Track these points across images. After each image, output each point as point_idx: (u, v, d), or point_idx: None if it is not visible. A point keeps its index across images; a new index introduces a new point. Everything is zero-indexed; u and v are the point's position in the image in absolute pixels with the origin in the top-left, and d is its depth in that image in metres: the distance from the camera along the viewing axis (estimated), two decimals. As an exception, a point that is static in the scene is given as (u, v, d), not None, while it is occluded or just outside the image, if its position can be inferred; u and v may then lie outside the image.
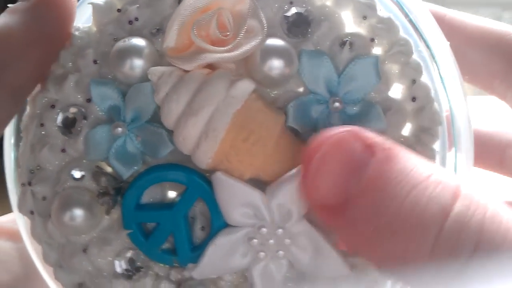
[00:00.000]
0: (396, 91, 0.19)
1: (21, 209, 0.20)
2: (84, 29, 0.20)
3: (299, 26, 0.18)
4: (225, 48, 0.17)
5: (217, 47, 0.17)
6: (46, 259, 0.20)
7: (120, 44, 0.18)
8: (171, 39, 0.17)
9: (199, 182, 0.18)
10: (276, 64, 0.18)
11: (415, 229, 0.14)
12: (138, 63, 0.18)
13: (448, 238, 0.14)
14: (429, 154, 0.19)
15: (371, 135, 0.16)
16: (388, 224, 0.14)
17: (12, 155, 0.21)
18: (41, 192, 0.20)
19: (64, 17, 0.19)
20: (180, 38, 0.17)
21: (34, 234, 0.20)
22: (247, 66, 0.18)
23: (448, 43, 0.20)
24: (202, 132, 0.17)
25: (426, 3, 0.21)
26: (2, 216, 0.25)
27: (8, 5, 0.19)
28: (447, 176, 0.15)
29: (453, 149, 0.20)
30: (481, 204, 0.14)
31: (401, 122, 0.19)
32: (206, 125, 0.17)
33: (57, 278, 0.20)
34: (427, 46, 0.20)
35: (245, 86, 0.17)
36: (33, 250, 0.21)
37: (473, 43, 0.23)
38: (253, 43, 0.17)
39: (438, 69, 0.20)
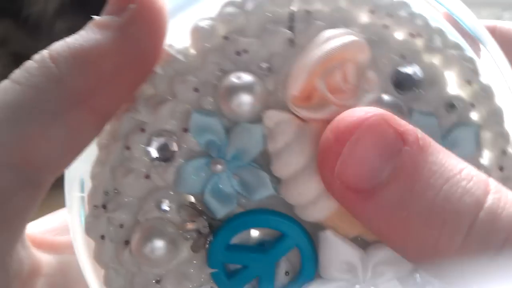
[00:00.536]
0: (485, 157, 0.20)
1: (90, 232, 0.19)
2: (181, 49, 0.19)
3: (409, 82, 0.19)
4: (349, 101, 0.17)
5: (341, 101, 0.17)
6: (109, 284, 0.19)
7: (233, 79, 0.18)
8: (296, 88, 0.17)
9: (300, 232, 0.18)
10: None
11: (449, 219, 0.15)
12: (248, 100, 0.18)
13: (481, 229, 0.14)
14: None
15: (403, 123, 0.16)
16: (421, 212, 0.15)
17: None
18: (119, 219, 0.19)
19: (158, 35, 0.18)
20: (303, 87, 0.17)
21: (99, 259, 0.19)
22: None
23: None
24: (324, 191, 0.16)
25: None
26: (32, 225, 0.23)
27: (94, 16, 0.18)
28: (476, 171, 0.16)
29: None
30: (510, 198, 0.15)
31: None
32: None
33: None
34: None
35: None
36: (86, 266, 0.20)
37: None
38: (372, 97, 0.17)
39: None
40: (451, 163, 0.15)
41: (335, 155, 0.15)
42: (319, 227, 0.18)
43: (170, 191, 0.18)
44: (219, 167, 0.18)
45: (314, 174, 0.16)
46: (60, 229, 0.23)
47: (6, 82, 0.17)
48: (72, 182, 0.20)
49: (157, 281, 0.19)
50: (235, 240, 0.18)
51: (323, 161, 0.16)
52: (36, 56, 0.17)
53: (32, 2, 0.44)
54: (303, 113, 0.17)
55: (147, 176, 0.19)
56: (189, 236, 0.18)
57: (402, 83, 0.19)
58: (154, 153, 0.18)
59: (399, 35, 0.19)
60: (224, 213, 0.18)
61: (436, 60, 0.19)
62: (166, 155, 0.18)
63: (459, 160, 0.16)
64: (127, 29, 0.17)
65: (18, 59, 0.50)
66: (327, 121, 0.17)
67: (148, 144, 0.18)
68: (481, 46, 0.20)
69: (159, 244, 0.18)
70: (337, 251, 0.17)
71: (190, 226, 0.18)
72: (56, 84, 0.17)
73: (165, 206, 0.18)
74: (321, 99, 0.17)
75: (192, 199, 0.19)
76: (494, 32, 0.21)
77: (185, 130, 0.18)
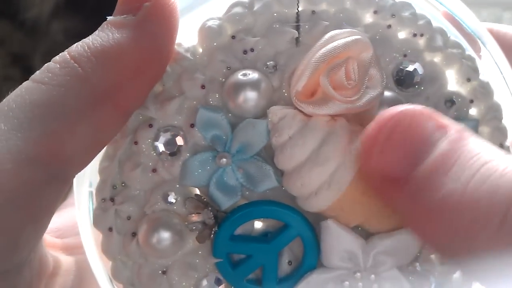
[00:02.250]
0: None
1: (98, 224, 0.20)
2: (189, 48, 0.19)
3: (411, 79, 0.19)
4: (352, 98, 0.17)
5: (344, 97, 0.17)
6: (116, 276, 0.20)
7: (240, 76, 0.18)
8: (300, 84, 0.17)
9: (302, 222, 0.18)
10: (389, 117, 0.18)
11: (484, 203, 0.14)
12: (253, 96, 0.18)
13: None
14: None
15: (443, 117, 0.16)
16: (455, 196, 0.15)
17: None
18: (126, 211, 0.19)
19: (172, 31, 0.18)
20: (308, 84, 0.17)
21: (107, 250, 0.20)
22: (358, 115, 0.18)
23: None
24: (325, 182, 0.17)
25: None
26: None
27: (108, 17, 0.18)
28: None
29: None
30: None
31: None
32: (330, 175, 0.17)
33: None
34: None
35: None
36: (96, 261, 0.20)
37: None
38: (374, 94, 0.18)
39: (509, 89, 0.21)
40: (489, 150, 0.15)
41: (375, 144, 0.16)
42: (321, 217, 0.18)
43: (176, 184, 0.19)
44: (224, 160, 0.18)
45: (316, 166, 0.17)
46: (63, 229, 0.23)
47: (28, 83, 0.18)
48: (80, 177, 0.20)
49: (164, 272, 0.19)
50: (239, 231, 0.19)
51: (364, 151, 0.16)
52: (57, 58, 0.18)
53: (28, 4, 0.44)
54: (307, 109, 0.17)
55: (154, 170, 0.19)
56: (194, 228, 0.19)
57: (403, 80, 0.19)
58: (161, 148, 0.19)
59: (402, 34, 0.20)
60: (229, 205, 0.19)
61: (437, 58, 0.20)
62: (172, 149, 0.19)
63: (496, 149, 0.16)
64: (144, 27, 0.18)
65: (16, 59, 0.48)
66: (330, 117, 0.18)
67: (156, 139, 0.19)
68: (481, 45, 0.20)
69: (165, 235, 0.19)
70: (338, 239, 0.18)
71: (195, 218, 0.19)
72: (81, 82, 0.17)
73: (172, 198, 0.19)
74: (324, 95, 0.17)
75: (198, 192, 0.19)
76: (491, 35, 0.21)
77: (192, 125, 0.19)
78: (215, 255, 0.19)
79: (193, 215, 0.19)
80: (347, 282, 0.19)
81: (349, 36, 0.18)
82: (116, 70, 0.17)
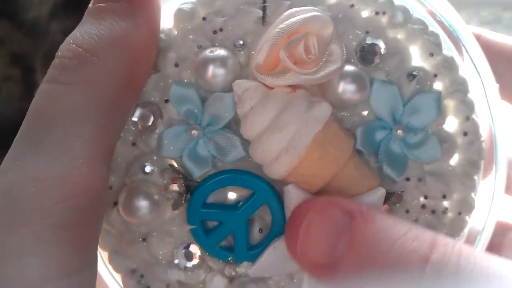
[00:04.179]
0: (450, 124, 0.21)
1: None
2: (164, 30, 0.21)
3: (373, 55, 0.20)
4: (310, 70, 0.18)
5: (302, 69, 0.18)
6: (102, 244, 0.21)
7: (207, 53, 0.20)
8: (261, 57, 0.18)
9: (268, 190, 0.19)
10: (350, 89, 0.19)
11: (400, 279, 0.16)
12: (220, 72, 0.20)
13: (430, 283, 0.16)
14: (472, 184, 0.21)
15: (348, 202, 0.18)
16: (378, 273, 0.16)
17: None
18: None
19: (159, 14, 0.20)
20: (268, 57, 0.19)
21: None
22: (321, 88, 0.20)
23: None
24: (283, 148, 0.18)
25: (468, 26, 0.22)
26: None
27: (99, 5, 0.19)
28: (422, 230, 0.17)
29: (490, 176, 0.22)
30: (456, 249, 0.16)
31: (452, 153, 0.21)
32: (288, 141, 0.18)
33: (111, 262, 0.21)
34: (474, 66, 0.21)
35: (326, 109, 0.19)
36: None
37: (503, 57, 0.25)
38: (334, 67, 0.19)
39: (484, 89, 0.21)
40: (396, 227, 0.17)
41: (295, 238, 0.18)
42: (285, 184, 0.19)
43: (154, 156, 0.20)
44: (195, 132, 0.20)
45: (274, 132, 0.18)
46: None
47: (54, 86, 0.17)
48: None
49: (143, 239, 0.21)
50: (211, 199, 0.20)
51: (288, 243, 0.19)
52: (69, 53, 0.18)
53: (28, 5, 0.45)
54: (266, 80, 0.18)
55: (134, 144, 0.21)
56: (170, 197, 0.20)
57: (365, 56, 0.20)
58: (139, 122, 0.20)
59: (365, 13, 0.21)
60: (200, 175, 0.20)
61: (400, 35, 0.21)
62: (148, 123, 0.20)
63: (404, 223, 0.17)
64: (142, 12, 0.19)
65: (16, 59, 0.48)
66: (291, 88, 0.19)
67: (134, 114, 0.20)
68: (461, 45, 0.21)
69: (143, 203, 0.20)
70: (298, 204, 0.19)
71: (171, 187, 0.20)
72: (106, 74, 0.17)
73: (149, 169, 0.20)
74: (284, 68, 0.18)
75: (174, 163, 0.21)
76: (479, 40, 0.22)
77: (166, 101, 0.20)
78: (189, 222, 0.20)
79: (170, 185, 0.20)
80: (311, 247, 0.20)
81: (308, 13, 0.19)
82: (131, 56, 0.18)
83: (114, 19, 0.18)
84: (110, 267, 0.22)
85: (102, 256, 0.22)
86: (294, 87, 0.19)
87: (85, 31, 0.18)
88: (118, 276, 0.22)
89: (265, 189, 0.19)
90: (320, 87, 0.20)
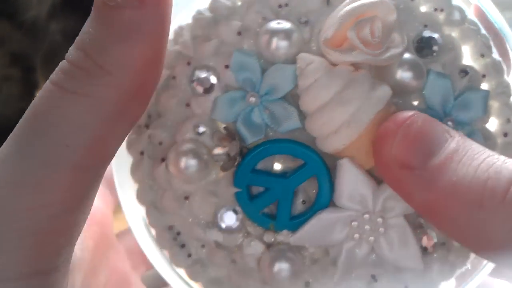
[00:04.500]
0: (492, 124, 0.22)
1: (130, 148, 0.22)
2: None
3: (429, 48, 0.21)
4: (375, 52, 0.19)
5: (368, 49, 0.19)
6: (140, 197, 0.22)
7: (274, 24, 0.20)
8: (329, 32, 0.19)
9: (319, 162, 0.20)
10: (407, 75, 0.20)
11: (490, 183, 0.17)
12: (284, 44, 0.20)
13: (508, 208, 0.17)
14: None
15: (446, 126, 0.19)
16: (467, 174, 0.17)
17: None
18: (158, 137, 0.21)
19: (168, 22, 0.19)
20: (335, 35, 0.19)
21: (135, 173, 0.22)
22: (379, 72, 0.20)
23: None
24: (345, 121, 0.19)
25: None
26: None
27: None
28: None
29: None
30: None
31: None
32: (350, 115, 0.19)
33: (148, 215, 0.22)
34: None
35: (387, 90, 0.19)
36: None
37: None
38: (396, 52, 0.20)
39: None
40: (489, 150, 0.18)
41: (392, 136, 0.18)
42: (337, 160, 0.20)
43: (207, 118, 0.21)
44: (252, 99, 0.20)
45: (338, 106, 0.19)
46: None
47: (54, 90, 0.17)
48: None
49: (186, 197, 0.21)
50: (260, 166, 0.21)
51: (381, 142, 0.19)
52: (76, 60, 0.17)
53: (26, 6, 0.46)
54: (333, 55, 0.19)
55: (188, 104, 0.21)
56: (219, 159, 0.21)
57: (422, 47, 0.21)
58: (196, 85, 0.21)
59: (424, 8, 0.22)
60: (253, 141, 0.21)
61: (454, 33, 0.22)
62: (206, 86, 0.21)
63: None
64: (154, 17, 0.18)
65: (16, 59, 0.49)
66: (354, 67, 0.19)
67: (192, 76, 0.21)
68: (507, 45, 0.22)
69: (192, 162, 0.21)
70: (351, 179, 0.19)
71: (220, 150, 0.21)
72: (113, 89, 0.17)
73: (201, 129, 0.21)
74: (350, 46, 0.19)
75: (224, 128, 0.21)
76: None
77: (226, 66, 0.21)
78: (236, 185, 0.21)
79: (219, 147, 0.21)
80: (355, 223, 0.20)
81: (375, -2, 0.20)
82: (140, 71, 0.18)
83: (124, 25, 0.17)
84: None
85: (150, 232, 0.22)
86: (356, 66, 0.20)
87: (95, 38, 0.18)
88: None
89: (317, 161, 0.20)
90: (377, 71, 0.20)
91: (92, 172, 0.18)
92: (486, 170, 0.17)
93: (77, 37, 0.18)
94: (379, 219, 0.20)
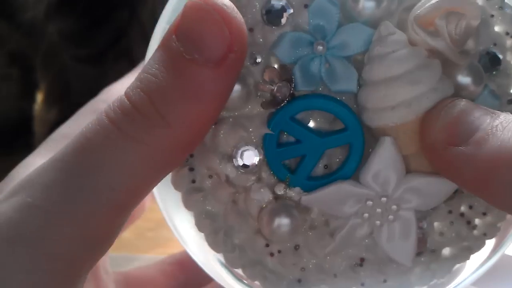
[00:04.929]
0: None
1: None
2: None
3: (494, 65, 0.21)
4: (455, 46, 0.19)
5: (450, 42, 0.19)
6: None
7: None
8: (422, 11, 0.19)
9: (360, 132, 0.20)
10: (467, 81, 0.20)
11: None
12: (371, 5, 0.20)
13: None
14: (504, 215, 0.23)
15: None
16: (510, 139, 0.17)
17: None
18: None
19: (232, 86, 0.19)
20: (426, 16, 0.19)
21: None
22: (444, 68, 0.20)
23: None
24: (407, 100, 0.19)
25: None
26: None
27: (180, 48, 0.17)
28: None
29: None
30: None
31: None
32: (414, 97, 0.18)
33: None
34: None
35: (452, 87, 0.19)
36: None
37: None
38: (467, 57, 0.20)
39: None
40: None
41: (436, 118, 0.18)
42: (378, 136, 0.20)
43: (266, 50, 0.20)
44: (320, 48, 0.20)
45: (407, 83, 0.18)
46: None
47: (111, 129, 0.17)
48: None
49: (215, 122, 0.20)
50: (298, 116, 0.20)
51: (426, 125, 0.19)
52: (138, 102, 0.17)
53: (23, 6, 0.45)
54: (420, 33, 0.19)
55: (251, 30, 0.20)
56: (263, 95, 0.20)
57: (487, 62, 0.21)
58: (266, 14, 0.20)
59: (497, 28, 0.22)
60: (303, 89, 0.20)
61: (515, 58, 0.22)
62: (277, 17, 0.20)
63: None
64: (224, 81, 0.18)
65: (15, 59, 0.48)
66: (431, 52, 0.19)
67: (267, 2, 0.20)
68: None
69: (236, 87, 0.19)
70: (386, 159, 0.19)
71: (267, 87, 0.20)
72: (169, 143, 0.17)
73: (259, 59, 0.20)
74: (436, 32, 0.19)
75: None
76: None
77: (306, 6, 0.20)
78: (269, 127, 0.20)
79: (267, 84, 0.20)
80: (370, 202, 0.20)
81: (472, -2, 0.20)
82: (197, 127, 0.18)
83: (196, 83, 0.17)
84: None
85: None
86: (430, 53, 0.19)
87: (163, 87, 0.17)
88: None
89: (358, 131, 0.20)
90: (443, 66, 0.20)
91: (127, 213, 0.18)
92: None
93: (141, 76, 0.18)
94: (394, 206, 0.20)
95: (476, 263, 0.23)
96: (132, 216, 0.28)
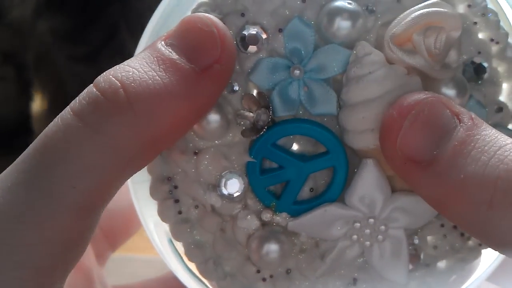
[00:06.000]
0: None
1: None
2: None
3: (479, 74, 0.21)
4: (435, 63, 0.19)
5: (429, 58, 0.19)
6: None
7: (344, 2, 0.19)
8: (398, 30, 0.18)
9: (343, 155, 0.19)
10: (451, 94, 0.20)
11: (503, 176, 0.16)
12: (347, 25, 0.19)
13: None
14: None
15: (458, 106, 0.18)
16: (476, 172, 0.16)
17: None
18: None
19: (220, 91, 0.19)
20: (403, 34, 0.18)
21: None
22: (425, 82, 0.20)
23: None
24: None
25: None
26: None
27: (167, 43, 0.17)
28: None
29: None
30: None
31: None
32: None
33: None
34: None
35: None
36: None
37: None
38: (449, 72, 0.19)
39: None
40: (503, 136, 0.17)
41: (397, 129, 0.17)
42: (361, 157, 0.19)
43: (243, 78, 0.20)
44: (297, 72, 0.19)
45: (384, 105, 0.18)
46: None
47: (75, 122, 0.16)
48: None
49: (195, 153, 0.20)
50: (280, 142, 0.20)
51: (386, 134, 0.18)
52: (107, 89, 0.16)
53: (9, 6, 0.45)
54: (396, 52, 0.18)
55: (227, 57, 0.20)
56: (242, 123, 0.20)
57: (473, 72, 0.21)
58: (244, 38, 0.19)
59: (482, 35, 0.21)
60: (283, 115, 0.20)
61: (501, 68, 0.22)
62: (253, 43, 0.19)
63: (506, 136, 0.17)
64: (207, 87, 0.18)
65: (7, 58, 0.48)
66: (411, 69, 0.19)
67: (242, 29, 0.19)
68: None
69: (214, 117, 0.19)
70: (370, 181, 0.19)
71: (247, 114, 0.19)
72: (135, 134, 0.16)
73: (236, 88, 0.19)
74: (413, 49, 0.19)
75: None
76: None
77: (280, 30, 0.19)
78: (251, 155, 0.20)
79: (246, 111, 0.20)
80: (358, 224, 0.20)
81: (449, 9, 0.19)
82: (169, 122, 0.17)
83: (175, 78, 0.17)
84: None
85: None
86: (409, 70, 0.19)
87: (138, 71, 0.17)
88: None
89: (341, 154, 0.19)
90: (424, 81, 0.20)
91: (94, 214, 0.17)
92: (497, 167, 0.16)
93: (117, 66, 0.17)
94: (382, 227, 0.20)
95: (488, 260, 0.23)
96: (126, 233, 0.28)
